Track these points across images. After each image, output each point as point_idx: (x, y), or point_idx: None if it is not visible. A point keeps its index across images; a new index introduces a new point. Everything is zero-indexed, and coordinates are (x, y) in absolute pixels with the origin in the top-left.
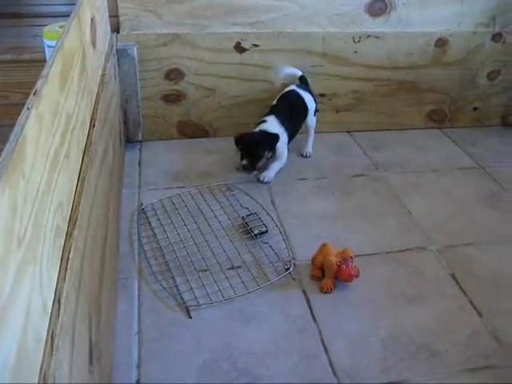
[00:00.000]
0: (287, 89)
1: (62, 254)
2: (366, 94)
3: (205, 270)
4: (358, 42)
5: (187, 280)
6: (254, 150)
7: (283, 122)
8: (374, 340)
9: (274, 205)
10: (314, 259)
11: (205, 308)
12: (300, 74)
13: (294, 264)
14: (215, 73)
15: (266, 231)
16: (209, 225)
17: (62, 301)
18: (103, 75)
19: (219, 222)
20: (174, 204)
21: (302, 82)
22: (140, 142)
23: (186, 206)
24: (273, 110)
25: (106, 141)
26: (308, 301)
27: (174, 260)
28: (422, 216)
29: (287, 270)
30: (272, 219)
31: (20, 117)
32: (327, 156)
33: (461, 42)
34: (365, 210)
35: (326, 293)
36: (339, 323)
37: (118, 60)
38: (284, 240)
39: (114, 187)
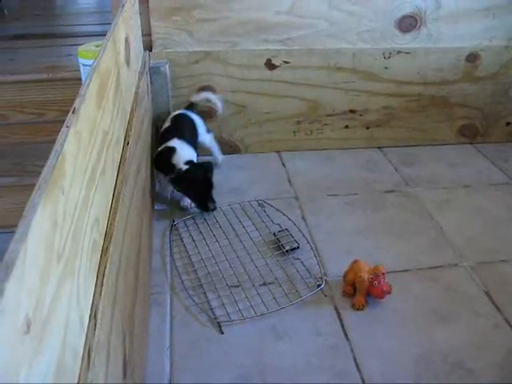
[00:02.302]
0: (177, 112)
1: (98, 269)
2: (396, 110)
3: (237, 286)
4: (389, 57)
5: (219, 296)
6: (210, 187)
7: (189, 142)
8: (406, 357)
9: (305, 221)
10: (345, 275)
11: (236, 324)
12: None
13: (325, 280)
14: (246, 89)
15: (298, 247)
16: (240, 241)
17: (98, 316)
18: (137, 93)
19: (251, 238)
20: (205, 220)
21: (191, 106)
22: None
23: (217, 222)
24: (173, 134)
25: (140, 157)
26: (340, 317)
27: (205, 276)
28: (454, 232)
29: (319, 286)
30: (303, 235)
31: (59, 134)
32: (358, 172)
33: (493, 57)
34: (396, 226)
35: (358, 309)
36: (371, 340)
37: (150, 78)
38: (315, 256)
39: (147, 203)
